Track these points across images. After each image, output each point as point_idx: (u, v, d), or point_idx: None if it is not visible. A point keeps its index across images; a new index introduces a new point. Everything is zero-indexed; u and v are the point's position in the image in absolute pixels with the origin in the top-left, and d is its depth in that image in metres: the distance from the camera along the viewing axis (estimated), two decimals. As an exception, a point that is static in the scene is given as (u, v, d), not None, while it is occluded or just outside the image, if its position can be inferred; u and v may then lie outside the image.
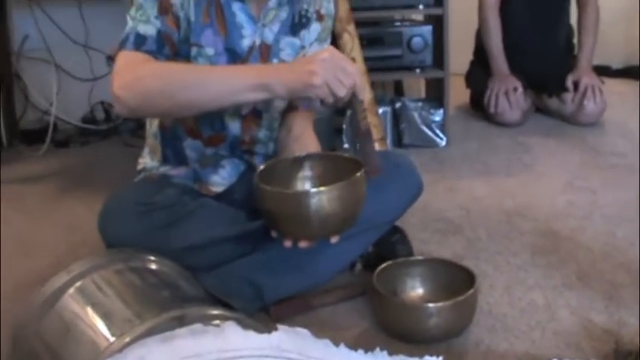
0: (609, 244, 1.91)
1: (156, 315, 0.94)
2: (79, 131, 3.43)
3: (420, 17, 3.25)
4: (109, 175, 2.67)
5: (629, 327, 1.48)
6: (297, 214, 1.33)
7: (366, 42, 2.79)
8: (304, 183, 1.52)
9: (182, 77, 1.47)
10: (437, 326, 1.42)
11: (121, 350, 0.84)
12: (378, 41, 2.89)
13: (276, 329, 0.94)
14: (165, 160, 1.75)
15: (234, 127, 1.69)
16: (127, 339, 0.89)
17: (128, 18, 1.55)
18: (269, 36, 1.67)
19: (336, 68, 1.39)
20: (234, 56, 1.63)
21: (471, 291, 1.45)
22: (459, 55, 3.44)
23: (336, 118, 2.83)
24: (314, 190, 1.37)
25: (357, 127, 1.47)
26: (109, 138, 3.37)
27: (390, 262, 1.60)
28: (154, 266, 1.25)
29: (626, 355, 1.30)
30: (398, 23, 3.03)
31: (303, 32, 1.72)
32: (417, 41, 2.86)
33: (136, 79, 1.47)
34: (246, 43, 1.64)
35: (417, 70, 2.95)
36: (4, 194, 2.55)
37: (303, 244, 1.40)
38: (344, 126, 2.79)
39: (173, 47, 1.56)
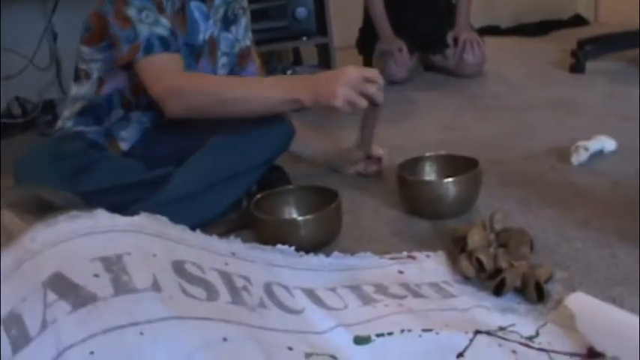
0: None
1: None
2: (-4, 126, 3.51)
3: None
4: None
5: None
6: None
7: (255, 16, 2.95)
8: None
9: (225, 95, 1.65)
10: (306, 237, 1.62)
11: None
12: (264, 14, 3.08)
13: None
14: (81, 116, 1.88)
15: None
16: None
17: (130, 20, 1.64)
18: (215, 31, 1.85)
19: (358, 85, 1.61)
20: (192, 49, 1.81)
21: (333, 205, 1.67)
22: (351, 27, 3.70)
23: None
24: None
25: (367, 126, 1.87)
26: (27, 131, 3.46)
27: (266, 192, 1.78)
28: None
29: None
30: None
31: (232, 27, 1.91)
32: (300, 11, 3.08)
33: (181, 93, 1.64)
34: (201, 37, 1.82)
35: (304, 38, 3.15)
36: None
37: None
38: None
39: None
